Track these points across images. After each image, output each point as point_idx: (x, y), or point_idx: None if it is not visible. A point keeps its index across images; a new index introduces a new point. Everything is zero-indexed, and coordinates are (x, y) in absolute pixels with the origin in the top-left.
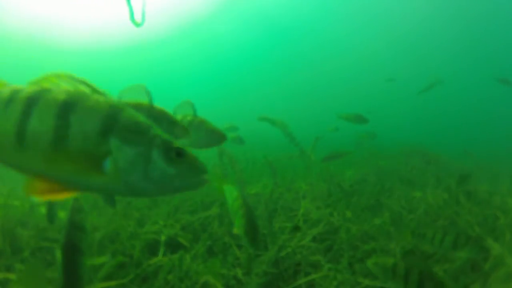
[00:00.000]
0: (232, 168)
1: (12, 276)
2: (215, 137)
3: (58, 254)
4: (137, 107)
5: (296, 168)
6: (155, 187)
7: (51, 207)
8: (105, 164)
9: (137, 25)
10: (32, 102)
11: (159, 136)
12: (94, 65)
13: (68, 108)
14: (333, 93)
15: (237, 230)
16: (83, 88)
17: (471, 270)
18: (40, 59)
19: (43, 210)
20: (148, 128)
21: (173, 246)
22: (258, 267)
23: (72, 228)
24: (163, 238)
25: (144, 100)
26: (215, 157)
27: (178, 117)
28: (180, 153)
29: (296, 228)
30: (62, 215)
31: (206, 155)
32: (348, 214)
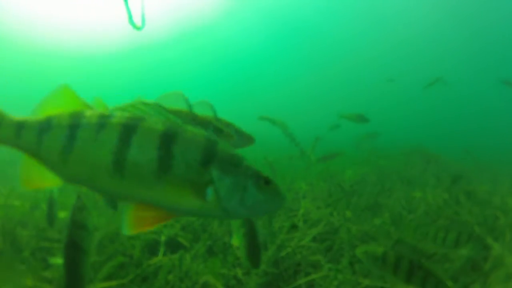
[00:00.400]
0: None
1: None
2: (244, 139)
3: (53, 260)
4: (179, 114)
5: (296, 168)
6: (248, 211)
7: (51, 209)
8: (207, 192)
9: (137, 28)
10: (128, 130)
11: (250, 167)
12: (95, 69)
13: (169, 139)
14: (336, 95)
15: (235, 242)
16: (171, 117)
17: (471, 270)
18: (41, 63)
19: (45, 206)
20: (241, 159)
21: (173, 246)
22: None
23: (74, 227)
24: (163, 238)
25: (183, 107)
26: None
27: None
28: (267, 181)
29: (293, 227)
30: (62, 215)
31: None
32: (348, 214)
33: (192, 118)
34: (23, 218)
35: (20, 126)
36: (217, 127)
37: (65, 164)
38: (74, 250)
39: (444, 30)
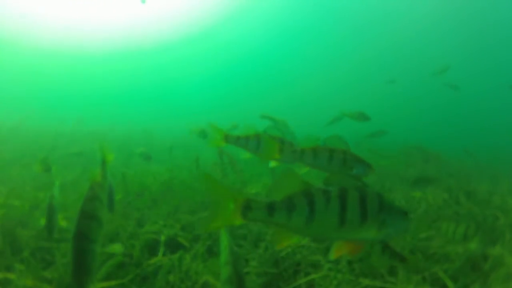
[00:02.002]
0: (232, 168)
1: (12, 276)
2: (371, 170)
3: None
4: (345, 152)
5: (296, 168)
6: (397, 234)
7: (51, 216)
8: (381, 229)
9: (143, 1)
10: (342, 199)
11: (397, 207)
12: (96, 70)
13: (363, 200)
14: (336, 95)
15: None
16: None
17: (471, 270)
18: (40, 64)
19: (43, 221)
20: (393, 202)
21: (173, 246)
22: (258, 267)
23: (84, 217)
24: (163, 238)
25: (343, 146)
26: (215, 156)
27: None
28: (406, 213)
29: None
30: (62, 223)
31: (206, 155)
32: None
33: (354, 156)
34: (23, 218)
35: (271, 208)
36: (367, 163)
37: (308, 229)
38: (82, 241)
39: (445, 30)
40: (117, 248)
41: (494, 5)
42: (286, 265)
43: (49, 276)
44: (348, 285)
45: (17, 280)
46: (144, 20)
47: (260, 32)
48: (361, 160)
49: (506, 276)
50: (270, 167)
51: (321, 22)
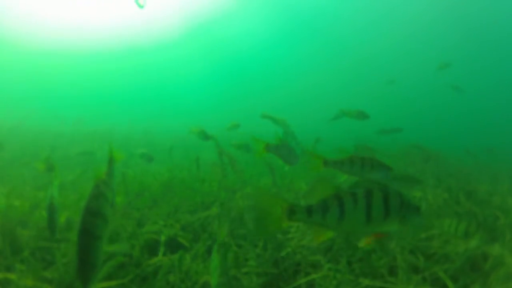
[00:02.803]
0: (232, 168)
1: (12, 276)
2: (392, 172)
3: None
4: (372, 159)
5: (296, 168)
6: (414, 227)
7: (52, 216)
8: (402, 223)
9: (140, 6)
10: (368, 199)
11: (413, 203)
12: (95, 68)
13: (386, 198)
14: (337, 95)
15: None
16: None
17: (471, 270)
18: (39, 63)
19: (43, 213)
20: (411, 199)
21: (173, 246)
22: (258, 267)
23: (88, 214)
24: (163, 238)
25: (369, 153)
26: (215, 156)
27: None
28: (419, 209)
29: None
30: (63, 219)
31: (206, 155)
32: None
33: (379, 161)
34: (23, 218)
35: (309, 210)
36: (389, 167)
37: (340, 226)
38: (87, 237)
39: (445, 28)
40: (122, 247)
41: (494, 4)
42: (286, 265)
43: (49, 276)
44: (348, 285)
45: (17, 280)
46: (142, 19)
47: (260, 29)
48: (385, 164)
49: (506, 276)
50: (270, 168)
51: (321, 20)
